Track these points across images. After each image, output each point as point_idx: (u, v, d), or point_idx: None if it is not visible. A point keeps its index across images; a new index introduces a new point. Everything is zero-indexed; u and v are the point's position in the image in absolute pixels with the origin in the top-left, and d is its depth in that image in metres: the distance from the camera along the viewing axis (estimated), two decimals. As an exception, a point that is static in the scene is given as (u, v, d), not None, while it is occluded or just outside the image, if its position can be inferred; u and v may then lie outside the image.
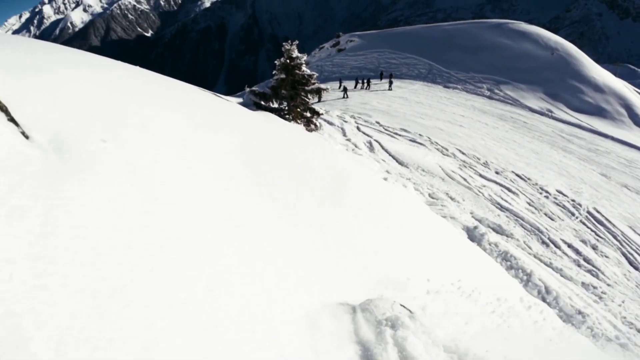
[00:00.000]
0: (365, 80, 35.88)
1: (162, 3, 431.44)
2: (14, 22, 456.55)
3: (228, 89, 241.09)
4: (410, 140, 16.95)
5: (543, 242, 10.18)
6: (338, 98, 30.85)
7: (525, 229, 10.68)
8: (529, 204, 12.64)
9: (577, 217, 12.61)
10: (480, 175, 14.03)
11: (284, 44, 13.56)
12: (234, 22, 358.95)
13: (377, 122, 18.84)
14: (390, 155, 14.05)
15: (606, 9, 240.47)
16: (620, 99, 39.55)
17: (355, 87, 35.78)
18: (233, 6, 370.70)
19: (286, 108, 14.43)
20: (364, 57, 47.91)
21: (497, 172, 14.91)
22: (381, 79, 38.43)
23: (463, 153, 16.23)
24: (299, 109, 14.40)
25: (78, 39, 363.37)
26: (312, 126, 14.78)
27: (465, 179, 13.01)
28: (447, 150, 16.11)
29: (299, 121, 14.36)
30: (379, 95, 30.95)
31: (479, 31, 45.73)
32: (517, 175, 15.11)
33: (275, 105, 14.53)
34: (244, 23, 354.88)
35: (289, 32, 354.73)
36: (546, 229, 10.92)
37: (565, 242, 10.41)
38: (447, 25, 48.90)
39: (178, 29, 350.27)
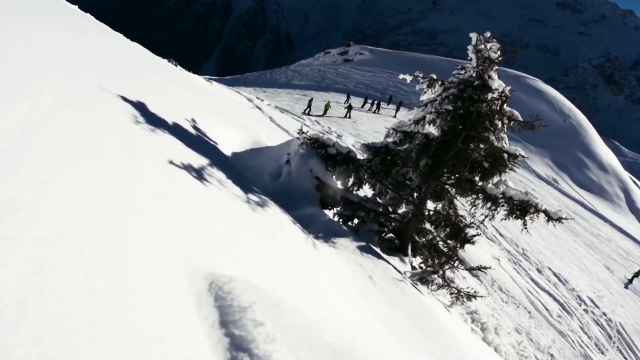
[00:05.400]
0: (376, 103, 32.69)
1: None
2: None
3: (218, 69, 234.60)
4: (445, 204, 14.10)
5: None
6: (341, 116, 27.61)
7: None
8: (581, 328, 11.61)
9: (614, 342, 12.27)
10: (534, 281, 12.58)
11: (475, 36, 6.12)
12: (241, 4, 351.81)
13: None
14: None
15: (602, 82, 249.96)
16: (620, 181, 38.77)
17: (362, 106, 32.59)
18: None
19: (395, 217, 6.70)
20: (372, 74, 44.97)
21: (539, 270, 13.82)
22: (389, 104, 35.57)
23: (500, 234, 14.21)
24: (442, 234, 6.78)
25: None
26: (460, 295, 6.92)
27: (546, 308, 11.26)
28: (487, 229, 13.60)
29: (440, 287, 6.65)
30: (389, 123, 27.70)
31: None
32: (555, 274, 14.35)
33: (363, 192, 7.09)
34: (250, 8, 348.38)
35: (292, 27, 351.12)
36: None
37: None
38: (467, 63, 46.49)
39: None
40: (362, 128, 23.59)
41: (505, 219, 6.22)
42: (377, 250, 6.35)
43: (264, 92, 33.91)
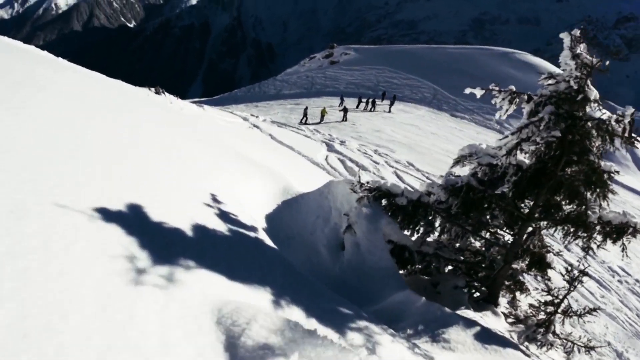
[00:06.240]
0: (370, 101, 32.43)
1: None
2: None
3: (205, 90, 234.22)
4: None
5: None
6: (338, 120, 27.28)
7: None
8: (622, 302, 11.33)
9: (651, 308, 12.07)
10: (567, 262, 11.88)
11: (567, 37, 5.09)
12: (219, 22, 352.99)
13: (410, 164, 15.20)
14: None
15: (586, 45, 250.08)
16: (624, 142, 38.36)
17: (357, 106, 32.28)
18: (219, 7, 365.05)
19: (481, 262, 5.95)
20: (361, 72, 44.65)
21: (567, 249, 13.20)
22: (382, 100, 35.25)
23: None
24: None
25: (60, 22, 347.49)
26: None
27: (589, 291, 10.98)
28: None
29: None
30: (387, 120, 27.56)
31: (485, 58, 43.35)
32: (582, 249, 13.66)
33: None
34: (228, 24, 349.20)
35: (272, 38, 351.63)
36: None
37: None
38: (452, 49, 46.39)
39: (161, 23, 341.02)
40: (362, 129, 23.25)
41: (601, 244, 5.60)
42: (480, 320, 5.22)
43: (256, 107, 33.63)
